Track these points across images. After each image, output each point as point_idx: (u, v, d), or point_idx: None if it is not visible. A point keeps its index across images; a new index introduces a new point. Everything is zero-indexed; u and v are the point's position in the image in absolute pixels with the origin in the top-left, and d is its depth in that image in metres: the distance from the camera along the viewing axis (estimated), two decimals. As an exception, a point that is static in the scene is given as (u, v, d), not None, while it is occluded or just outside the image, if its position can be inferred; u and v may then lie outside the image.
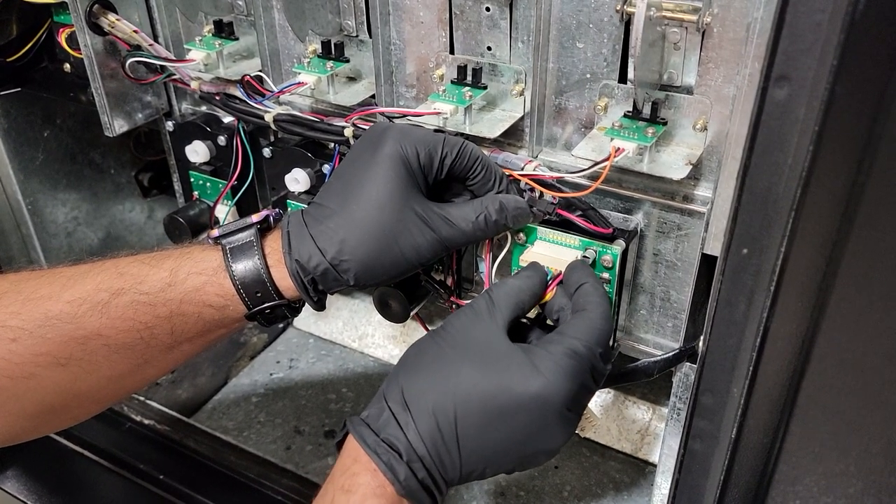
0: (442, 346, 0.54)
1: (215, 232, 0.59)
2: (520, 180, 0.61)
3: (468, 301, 0.66)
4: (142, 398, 0.94)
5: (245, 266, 0.56)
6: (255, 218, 0.59)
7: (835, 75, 0.37)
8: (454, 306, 0.69)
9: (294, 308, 0.59)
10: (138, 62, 0.76)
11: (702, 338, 0.56)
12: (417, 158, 0.56)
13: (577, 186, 0.60)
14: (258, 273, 0.56)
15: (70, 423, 0.61)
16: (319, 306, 0.59)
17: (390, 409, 0.52)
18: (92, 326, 0.55)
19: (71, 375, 0.55)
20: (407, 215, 0.56)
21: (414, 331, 1.02)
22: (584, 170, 0.58)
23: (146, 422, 0.94)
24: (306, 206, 0.60)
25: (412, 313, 0.70)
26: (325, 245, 0.55)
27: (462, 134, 0.63)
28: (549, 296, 0.59)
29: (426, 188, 0.58)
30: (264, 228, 0.59)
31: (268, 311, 0.57)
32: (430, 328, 0.74)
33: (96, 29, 0.74)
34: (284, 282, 0.57)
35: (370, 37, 0.68)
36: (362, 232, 0.55)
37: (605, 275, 0.60)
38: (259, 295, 0.57)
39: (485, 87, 0.63)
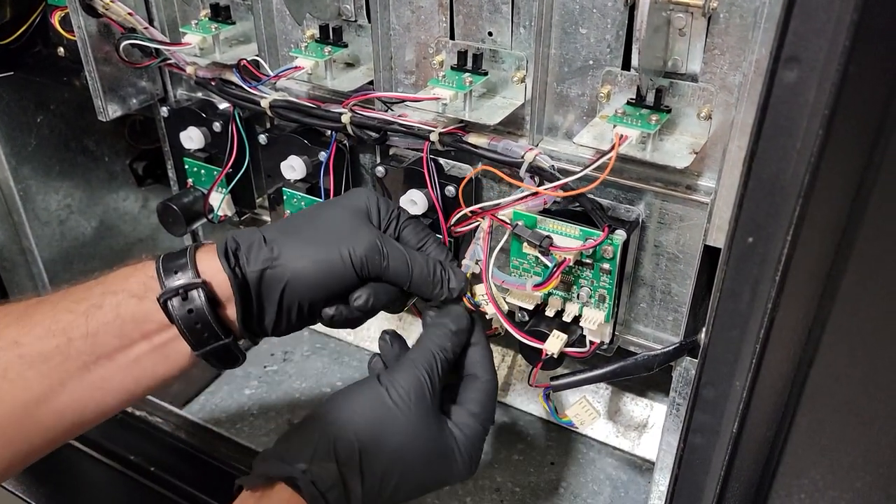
0: (399, 420, 0.57)
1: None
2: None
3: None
4: (133, 389, 0.93)
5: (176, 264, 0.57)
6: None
7: (847, 56, 0.35)
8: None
9: (214, 300, 0.57)
10: (133, 45, 0.75)
11: (704, 330, 0.55)
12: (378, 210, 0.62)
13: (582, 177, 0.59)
14: (185, 257, 0.57)
15: None
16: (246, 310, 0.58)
17: (342, 473, 0.54)
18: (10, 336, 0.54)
19: None
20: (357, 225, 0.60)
21: (410, 324, 1.00)
22: (587, 166, 0.56)
23: (137, 412, 0.93)
24: (302, 193, 0.59)
25: (408, 304, 0.69)
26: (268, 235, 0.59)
27: (462, 120, 0.62)
28: (552, 284, 0.60)
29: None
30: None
31: (182, 291, 0.55)
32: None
33: (90, 11, 0.73)
34: (212, 272, 0.56)
35: (369, 21, 0.67)
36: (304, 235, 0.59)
37: (606, 265, 0.59)
38: (177, 273, 0.56)
39: (485, 74, 0.62)
